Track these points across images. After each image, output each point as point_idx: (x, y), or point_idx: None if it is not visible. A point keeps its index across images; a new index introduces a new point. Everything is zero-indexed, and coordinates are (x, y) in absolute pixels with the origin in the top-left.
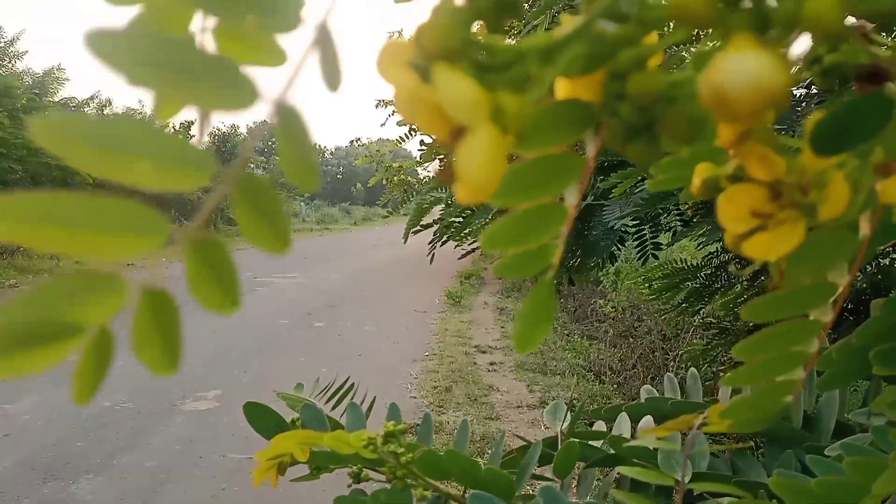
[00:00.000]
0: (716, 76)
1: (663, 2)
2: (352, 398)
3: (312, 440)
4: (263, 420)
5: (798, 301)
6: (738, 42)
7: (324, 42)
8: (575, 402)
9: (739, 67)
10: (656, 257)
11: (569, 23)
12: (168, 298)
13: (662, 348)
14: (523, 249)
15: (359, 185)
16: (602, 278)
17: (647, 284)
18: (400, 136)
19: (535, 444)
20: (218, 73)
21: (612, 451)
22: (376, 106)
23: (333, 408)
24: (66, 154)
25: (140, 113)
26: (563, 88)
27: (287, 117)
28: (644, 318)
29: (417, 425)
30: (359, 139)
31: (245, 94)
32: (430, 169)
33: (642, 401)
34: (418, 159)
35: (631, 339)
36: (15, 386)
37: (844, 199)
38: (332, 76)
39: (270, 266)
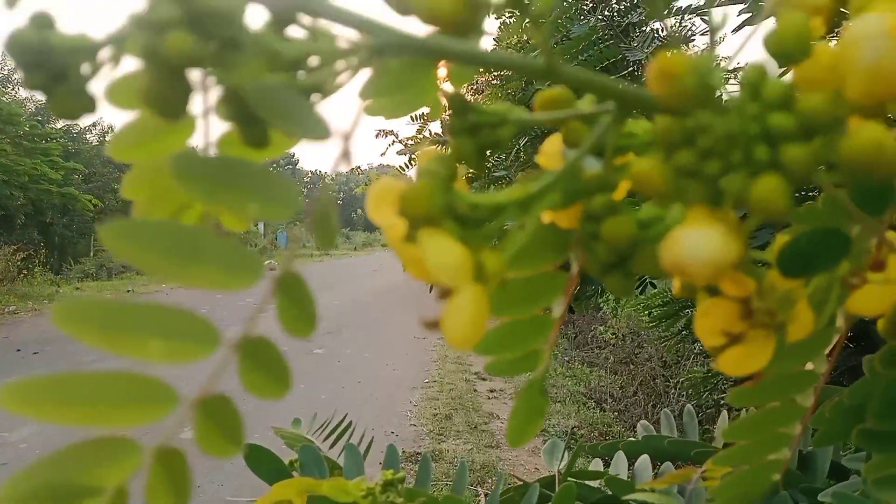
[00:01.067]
0: (673, 251)
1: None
2: (349, 437)
3: (311, 488)
4: (263, 463)
5: (781, 389)
6: (694, 215)
7: (321, 212)
8: (575, 430)
9: (694, 243)
10: (654, 286)
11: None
12: (180, 456)
13: (663, 375)
14: (513, 354)
15: (359, 210)
16: (602, 304)
17: (646, 312)
18: (401, 165)
19: (533, 487)
20: (225, 257)
21: (610, 493)
22: (376, 136)
23: (332, 446)
24: (85, 338)
25: None
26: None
27: (288, 285)
28: (644, 344)
29: (417, 454)
30: (359, 167)
31: (250, 274)
32: None
33: (639, 438)
34: None
35: (631, 366)
36: (13, 415)
37: (811, 323)
38: (325, 238)
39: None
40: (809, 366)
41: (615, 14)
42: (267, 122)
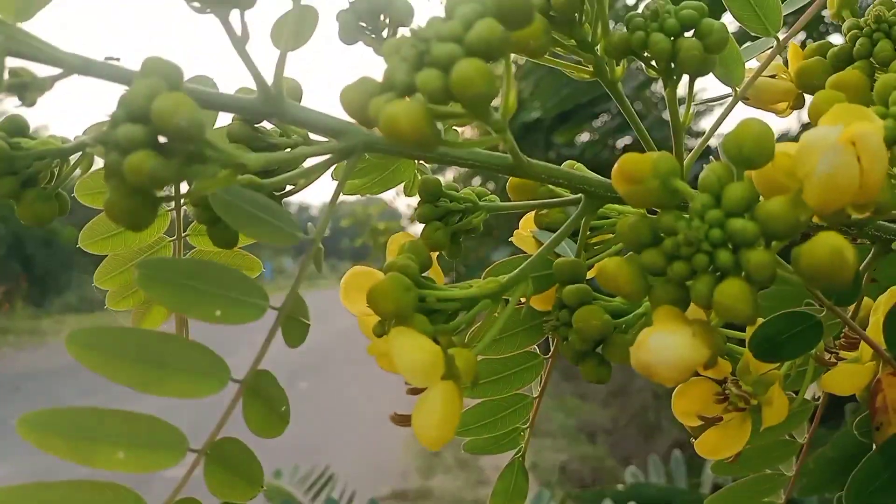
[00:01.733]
0: (641, 354)
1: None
2: (330, 490)
3: None
4: None
5: (762, 460)
6: (662, 316)
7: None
8: (566, 465)
9: (661, 348)
10: None
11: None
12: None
13: (655, 407)
14: (492, 434)
15: (346, 240)
16: None
17: None
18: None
19: None
20: (191, 364)
21: None
22: None
23: (314, 498)
24: (50, 448)
25: None
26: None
27: (257, 385)
28: (636, 375)
29: (405, 492)
30: (344, 200)
31: (215, 382)
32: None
33: (627, 485)
34: (409, 219)
35: (623, 398)
36: None
37: (785, 408)
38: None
39: (254, 324)
40: None
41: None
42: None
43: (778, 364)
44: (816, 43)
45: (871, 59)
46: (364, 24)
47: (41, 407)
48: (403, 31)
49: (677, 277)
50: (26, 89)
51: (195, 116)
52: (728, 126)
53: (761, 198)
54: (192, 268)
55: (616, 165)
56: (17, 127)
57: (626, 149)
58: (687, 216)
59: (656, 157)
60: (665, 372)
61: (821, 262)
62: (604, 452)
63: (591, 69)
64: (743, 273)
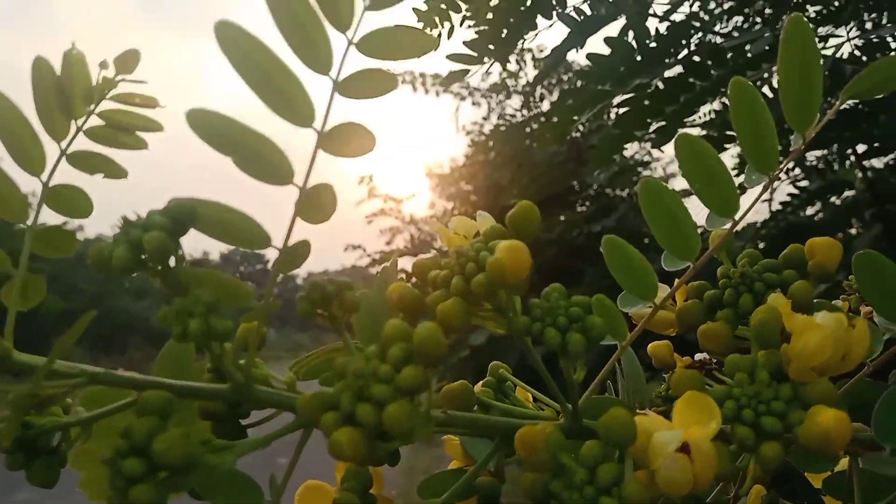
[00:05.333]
0: None
1: None
2: None
3: None
4: None
5: None
6: None
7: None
8: None
9: None
10: None
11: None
12: None
13: None
14: None
15: None
16: None
17: None
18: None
19: None
20: None
21: None
22: (345, 249)
23: None
24: None
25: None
26: None
27: None
28: None
29: None
30: (326, 270)
31: None
32: None
33: None
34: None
35: None
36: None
37: None
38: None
39: None
40: None
41: (578, 136)
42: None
43: None
44: (695, 283)
45: (737, 309)
46: (319, 310)
47: None
48: (353, 317)
49: None
50: None
51: (187, 452)
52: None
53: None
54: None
55: (518, 433)
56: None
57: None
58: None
59: (548, 434)
60: None
61: None
62: None
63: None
64: None
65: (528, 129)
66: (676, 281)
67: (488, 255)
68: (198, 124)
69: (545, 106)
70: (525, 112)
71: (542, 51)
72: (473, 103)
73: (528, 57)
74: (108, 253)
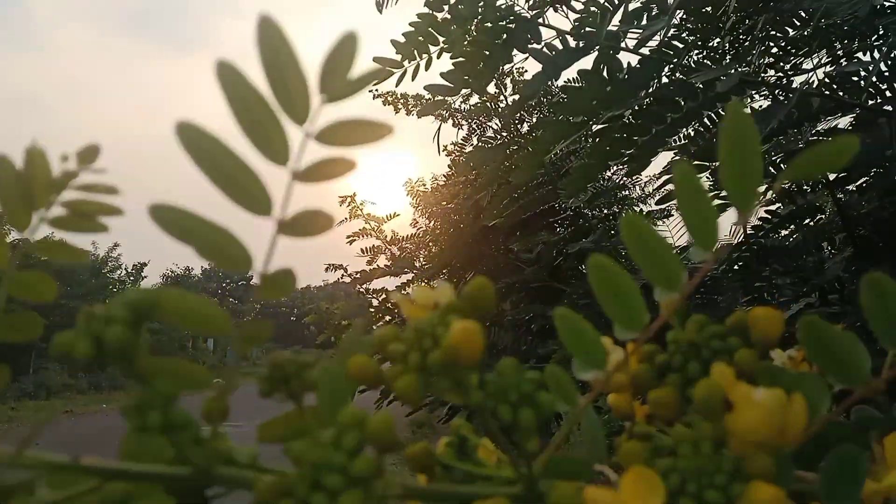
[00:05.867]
0: None
1: None
2: None
3: None
4: None
5: None
6: None
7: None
8: None
9: None
10: None
11: None
12: None
13: None
14: None
15: (311, 328)
16: None
17: None
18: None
19: None
20: None
21: None
22: (326, 269)
23: None
24: None
25: (91, 255)
26: None
27: None
28: None
29: None
30: (309, 286)
31: None
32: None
33: None
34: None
35: None
36: None
37: None
38: None
39: None
40: None
41: (555, 160)
42: None
43: None
44: (648, 348)
45: (685, 374)
46: (280, 388)
47: None
48: (311, 396)
49: None
50: None
51: None
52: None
53: None
54: None
55: None
56: None
57: (578, 253)
58: None
59: None
60: None
61: None
62: None
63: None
64: None
65: (507, 151)
66: (629, 346)
67: (445, 331)
68: (160, 217)
69: (525, 128)
70: (505, 134)
71: (521, 73)
72: (454, 124)
73: (508, 80)
74: (70, 345)
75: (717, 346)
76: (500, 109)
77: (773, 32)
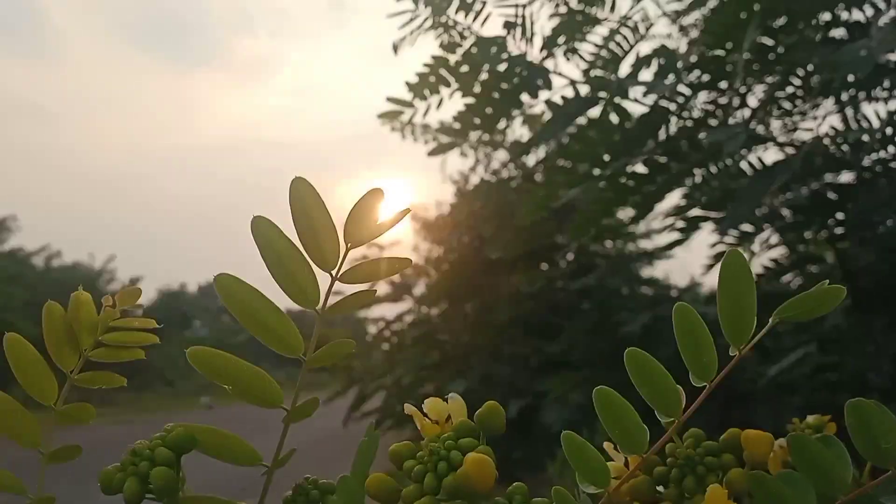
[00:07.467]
0: None
1: None
2: None
3: None
4: None
5: None
6: None
7: None
8: None
9: None
10: None
11: None
12: None
13: None
14: None
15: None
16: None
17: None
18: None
19: None
20: None
21: None
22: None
23: None
24: None
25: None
26: None
27: None
28: None
29: None
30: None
31: None
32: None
33: None
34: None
35: None
36: None
37: None
38: None
39: None
40: None
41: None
42: None
43: None
44: (647, 458)
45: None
46: None
47: None
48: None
49: None
50: None
51: None
52: None
53: None
54: None
55: None
56: None
57: (580, 290)
58: None
59: None
60: None
61: None
62: None
63: None
64: None
65: (512, 185)
66: (631, 464)
67: (459, 455)
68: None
69: (531, 161)
70: (511, 167)
71: (530, 107)
72: (461, 154)
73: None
74: (118, 484)
75: (712, 464)
76: (507, 143)
77: (778, 94)
